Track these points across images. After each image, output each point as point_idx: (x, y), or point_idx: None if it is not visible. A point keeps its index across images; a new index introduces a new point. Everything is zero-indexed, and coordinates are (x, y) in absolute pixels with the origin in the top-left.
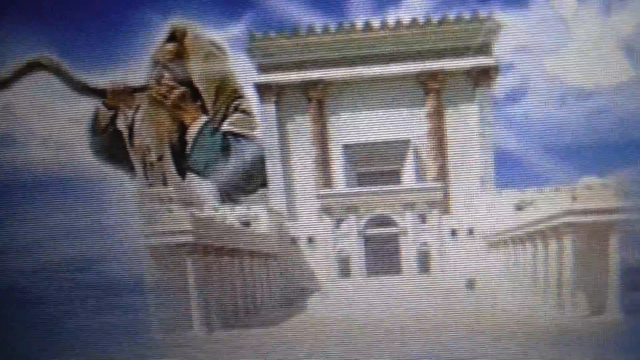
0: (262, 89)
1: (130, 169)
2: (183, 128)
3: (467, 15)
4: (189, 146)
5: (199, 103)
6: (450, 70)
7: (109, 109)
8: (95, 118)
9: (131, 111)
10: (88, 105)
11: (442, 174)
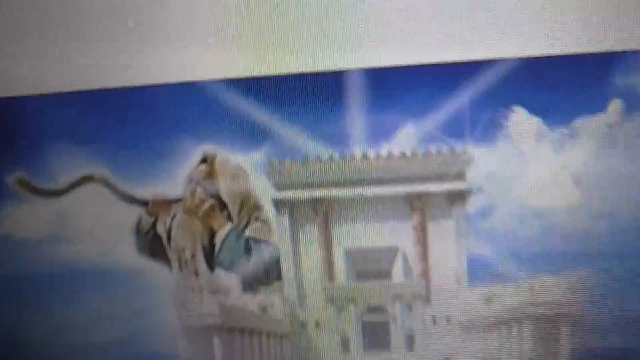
0: (278, 204)
1: (168, 264)
2: (212, 232)
3: (445, 150)
4: (217, 247)
5: (226, 213)
6: (431, 192)
7: (150, 216)
8: (139, 223)
9: (169, 218)
10: (132, 212)
11: (425, 273)
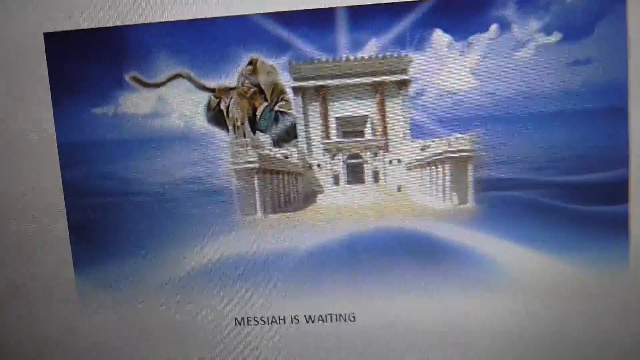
0: (295, 90)
1: (226, 129)
2: (254, 108)
3: (395, 54)
4: (257, 118)
5: (263, 96)
6: (387, 81)
7: (216, 98)
8: (208, 103)
9: (228, 99)
10: (205, 96)
11: (384, 132)
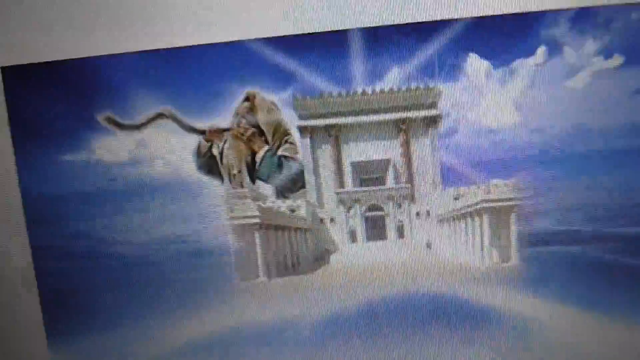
0: (301, 129)
1: (220, 178)
2: (253, 153)
3: (422, 86)
4: (257, 164)
5: (264, 138)
6: (412, 118)
7: (207, 142)
8: (198, 147)
9: (221, 143)
10: (193, 140)
11: (410, 179)
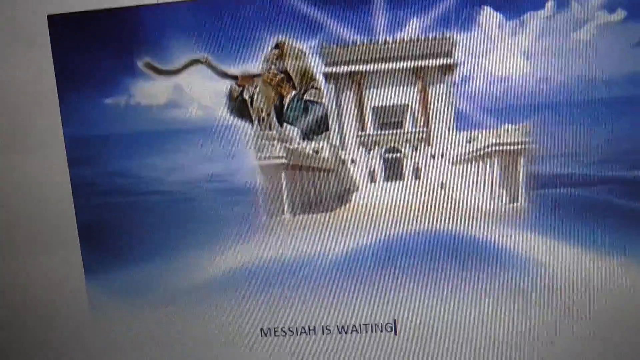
0: (327, 76)
1: (250, 121)
2: (282, 97)
3: (439, 35)
4: (285, 108)
5: (291, 83)
6: (429, 66)
7: (238, 87)
8: (230, 91)
9: (252, 88)
10: (226, 84)
11: (426, 123)
